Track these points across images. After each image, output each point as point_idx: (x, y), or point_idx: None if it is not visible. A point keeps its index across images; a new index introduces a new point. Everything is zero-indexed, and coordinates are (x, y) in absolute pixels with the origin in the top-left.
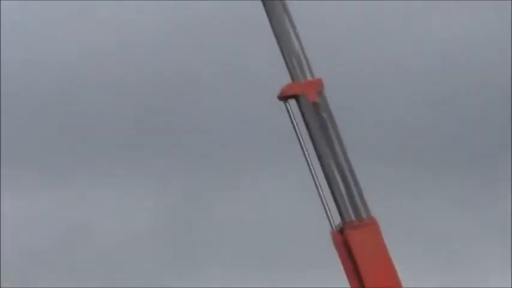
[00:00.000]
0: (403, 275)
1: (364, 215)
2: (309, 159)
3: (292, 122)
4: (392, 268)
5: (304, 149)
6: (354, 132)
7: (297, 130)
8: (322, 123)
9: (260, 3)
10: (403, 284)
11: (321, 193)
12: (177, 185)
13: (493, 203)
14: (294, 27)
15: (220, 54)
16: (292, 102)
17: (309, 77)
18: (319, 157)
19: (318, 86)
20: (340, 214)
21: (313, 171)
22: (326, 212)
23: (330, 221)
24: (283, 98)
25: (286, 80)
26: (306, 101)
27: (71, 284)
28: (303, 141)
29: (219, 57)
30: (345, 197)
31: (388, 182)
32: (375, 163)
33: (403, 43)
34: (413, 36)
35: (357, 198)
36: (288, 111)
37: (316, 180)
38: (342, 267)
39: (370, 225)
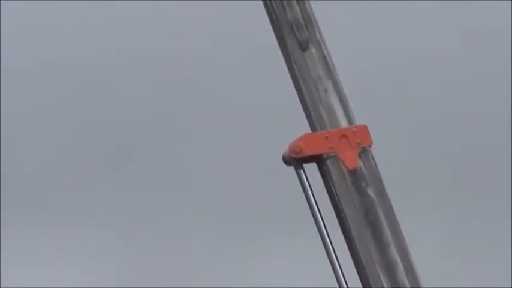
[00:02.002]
0: None
1: (382, 219)
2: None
3: (309, 201)
4: None
5: (326, 235)
6: None
7: (319, 216)
8: (366, 207)
9: None
10: None
11: (324, 228)
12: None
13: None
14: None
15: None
16: (310, 167)
17: (343, 124)
18: (356, 259)
19: (360, 139)
20: (354, 257)
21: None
22: (330, 258)
23: (335, 271)
24: (296, 160)
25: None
26: (338, 166)
27: None
28: (326, 228)
29: None
30: (367, 233)
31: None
32: None
33: None
34: None
35: (387, 234)
36: (301, 183)
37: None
38: None
39: None
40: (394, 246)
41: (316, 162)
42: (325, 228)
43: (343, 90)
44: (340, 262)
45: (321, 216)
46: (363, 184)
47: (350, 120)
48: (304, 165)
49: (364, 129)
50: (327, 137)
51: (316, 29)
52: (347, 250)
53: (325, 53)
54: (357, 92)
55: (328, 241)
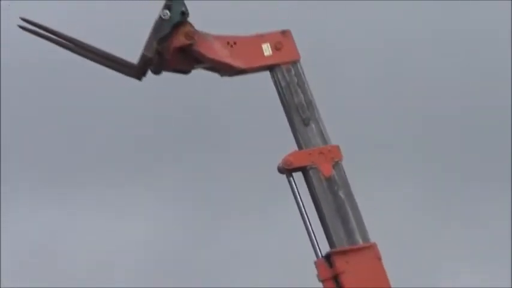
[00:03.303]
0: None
1: (359, 239)
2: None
3: (296, 200)
4: None
5: (308, 224)
6: None
7: (303, 210)
8: (338, 204)
9: None
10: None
11: (307, 220)
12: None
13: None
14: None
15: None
16: (298, 175)
17: (321, 144)
18: (331, 243)
19: (334, 155)
20: (329, 241)
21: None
22: (311, 239)
23: (315, 248)
24: (287, 170)
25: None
26: (317, 175)
27: None
28: (309, 220)
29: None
30: (338, 223)
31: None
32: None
33: None
34: None
35: (353, 223)
36: (291, 187)
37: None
38: None
39: (366, 249)
40: (358, 232)
41: (302, 172)
42: (308, 220)
43: None
44: (320, 246)
45: (305, 211)
46: (336, 188)
47: (326, 141)
48: (293, 174)
49: (337, 148)
50: (310, 154)
51: (315, 110)
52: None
53: (321, 128)
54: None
55: (310, 229)
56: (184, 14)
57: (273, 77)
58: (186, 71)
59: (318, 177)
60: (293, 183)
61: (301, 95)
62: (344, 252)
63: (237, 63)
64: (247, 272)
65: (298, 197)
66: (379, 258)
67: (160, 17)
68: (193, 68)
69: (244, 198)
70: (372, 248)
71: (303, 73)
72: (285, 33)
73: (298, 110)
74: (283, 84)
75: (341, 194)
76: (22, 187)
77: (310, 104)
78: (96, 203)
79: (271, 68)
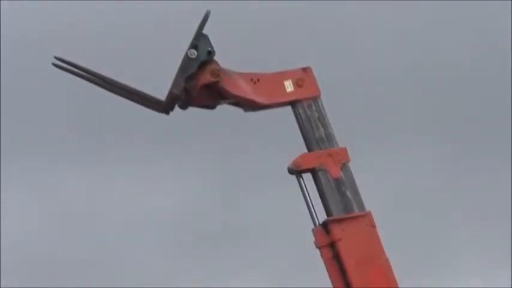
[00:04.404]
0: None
1: (355, 209)
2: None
3: (305, 200)
4: (387, 267)
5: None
6: None
7: (312, 209)
8: (346, 203)
9: None
10: (399, 284)
11: (305, 190)
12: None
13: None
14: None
15: None
16: (307, 176)
17: (329, 146)
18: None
19: (342, 157)
20: (327, 210)
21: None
22: (309, 209)
23: (312, 217)
24: (297, 172)
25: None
26: (326, 176)
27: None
28: (316, 215)
29: None
30: (336, 194)
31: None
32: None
33: None
34: None
35: (349, 194)
36: (301, 187)
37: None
38: (325, 270)
39: (360, 217)
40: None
41: (311, 173)
42: (317, 218)
43: None
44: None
45: (314, 210)
46: (343, 188)
47: (333, 144)
48: (303, 175)
49: (345, 150)
50: (318, 156)
51: (334, 142)
52: None
53: None
54: None
55: (311, 204)
56: (211, 53)
57: (294, 111)
58: (211, 107)
59: (327, 178)
60: (302, 183)
61: (322, 129)
62: (340, 220)
63: (261, 99)
64: (263, 237)
65: (308, 196)
66: (374, 226)
67: (187, 55)
68: (218, 103)
69: (265, 175)
70: (366, 216)
71: (323, 108)
72: (306, 70)
73: (318, 143)
74: (304, 118)
75: (348, 194)
76: (73, 160)
77: (329, 136)
78: (134, 173)
79: (292, 103)
